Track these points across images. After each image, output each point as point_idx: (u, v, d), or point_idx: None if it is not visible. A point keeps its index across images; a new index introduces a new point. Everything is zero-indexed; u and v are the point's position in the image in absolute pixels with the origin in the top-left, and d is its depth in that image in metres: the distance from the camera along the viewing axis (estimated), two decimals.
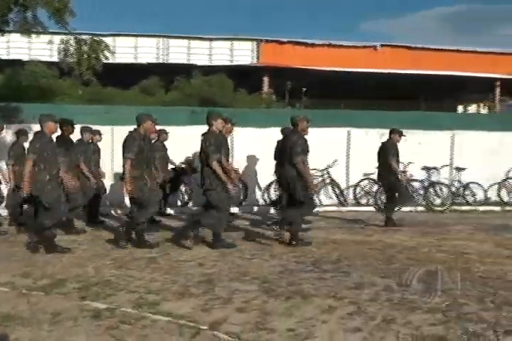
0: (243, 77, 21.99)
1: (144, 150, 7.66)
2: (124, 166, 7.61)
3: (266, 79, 25.31)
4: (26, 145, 8.38)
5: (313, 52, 25.32)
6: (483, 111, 28.51)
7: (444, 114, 16.08)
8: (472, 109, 32.02)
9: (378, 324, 4.58)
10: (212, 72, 22.03)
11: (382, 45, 26.09)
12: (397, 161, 9.72)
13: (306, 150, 7.90)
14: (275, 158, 9.83)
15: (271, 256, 7.17)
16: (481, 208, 12.63)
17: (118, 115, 12.02)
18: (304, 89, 20.60)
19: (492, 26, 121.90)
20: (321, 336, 4.30)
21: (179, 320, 4.60)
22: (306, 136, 8.00)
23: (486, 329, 4.47)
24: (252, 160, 11.88)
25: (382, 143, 10.01)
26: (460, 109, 33.39)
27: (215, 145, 7.55)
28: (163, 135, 10.40)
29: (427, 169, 12.71)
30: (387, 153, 9.68)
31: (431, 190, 12.67)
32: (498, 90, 27.38)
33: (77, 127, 9.36)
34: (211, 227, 7.72)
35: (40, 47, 22.75)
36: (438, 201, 12.67)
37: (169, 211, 11.41)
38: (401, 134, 9.91)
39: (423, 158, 12.35)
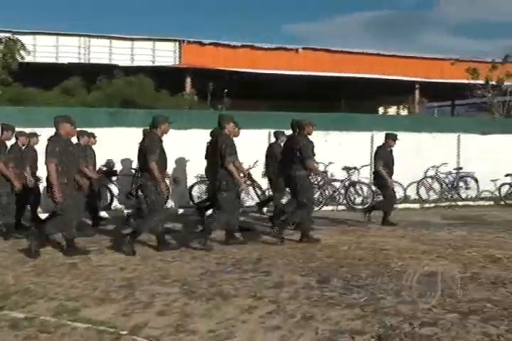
0: (165, 77, 21.80)
1: (163, 152, 7.59)
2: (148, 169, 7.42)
3: (188, 80, 25.21)
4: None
5: (235, 53, 25.42)
6: (403, 112, 29.33)
7: (364, 115, 16.40)
8: (392, 110, 32.92)
9: (298, 321, 4.64)
10: (134, 72, 21.73)
11: (303, 48, 26.43)
12: (388, 165, 10.02)
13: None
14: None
15: (192, 258, 7.13)
16: (401, 206, 12.97)
17: (37, 117, 11.61)
18: (226, 90, 20.60)
19: (411, 32, 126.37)
20: (241, 336, 4.31)
21: (99, 326, 4.51)
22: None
23: (402, 322, 4.60)
24: (175, 162, 11.79)
25: (377, 146, 10.44)
26: (381, 110, 34.29)
27: (230, 147, 7.80)
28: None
29: (347, 169, 12.97)
30: (375, 158, 10.24)
31: (351, 189, 12.94)
32: (417, 93, 28.26)
33: None
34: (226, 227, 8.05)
35: None
36: (358, 200, 12.94)
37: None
38: (394, 138, 10.23)
39: (344, 159, 12.60)
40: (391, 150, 10.26)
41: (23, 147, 9.38)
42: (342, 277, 6.14)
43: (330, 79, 25.99)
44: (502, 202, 14.14)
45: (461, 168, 14.50)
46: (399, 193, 13.53)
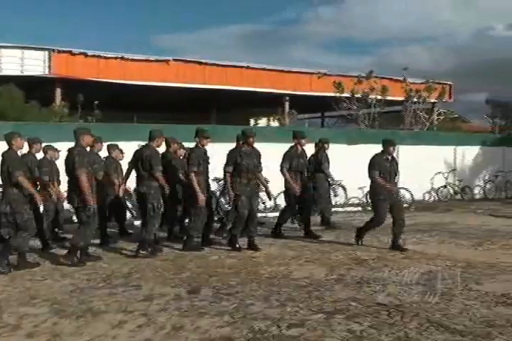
0: (35, 88, 20.99)
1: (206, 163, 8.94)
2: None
3: (58, 91, 24.39)
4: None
5: (105, 64, 24.86)
6: (274, 124, 29.99)
7: (234, 127, 16.59)
8: (263, 122, 33.61)
9: (168, 332, 4.70)
10: (1, 82, 20.74)
11: (174, 60, 26.35)
12: (386, 173, 9.09)
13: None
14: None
15: (62, 276, 6.93)
16: (271, 214, 13.25)
17: None
18: (97, 102, 20.14)
19: (281, 46, 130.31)
20: None
21: None
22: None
23: (270, 326, 4.81)
24: None
25: (375, 154, 9.39)
26: (252, 122, 34.90)
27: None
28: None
29: (217, 180, 12.97)
30: (369, 166, 9.23)
31: (222, 200, 13.07)
32: (287, 105, 29.00)
33: None
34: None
35: None
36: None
37: None
38: (390, 145, 9.10)
39: (214, 170, 12.57)
40: (390, 158, 9.22)
41: (52, 160, 9.54)
42: (212, 286, 6.27)
43: (200, 90, 26.13)
44: (369, 208, 14.92)
45: None
46: (267, 203, 13.84)
